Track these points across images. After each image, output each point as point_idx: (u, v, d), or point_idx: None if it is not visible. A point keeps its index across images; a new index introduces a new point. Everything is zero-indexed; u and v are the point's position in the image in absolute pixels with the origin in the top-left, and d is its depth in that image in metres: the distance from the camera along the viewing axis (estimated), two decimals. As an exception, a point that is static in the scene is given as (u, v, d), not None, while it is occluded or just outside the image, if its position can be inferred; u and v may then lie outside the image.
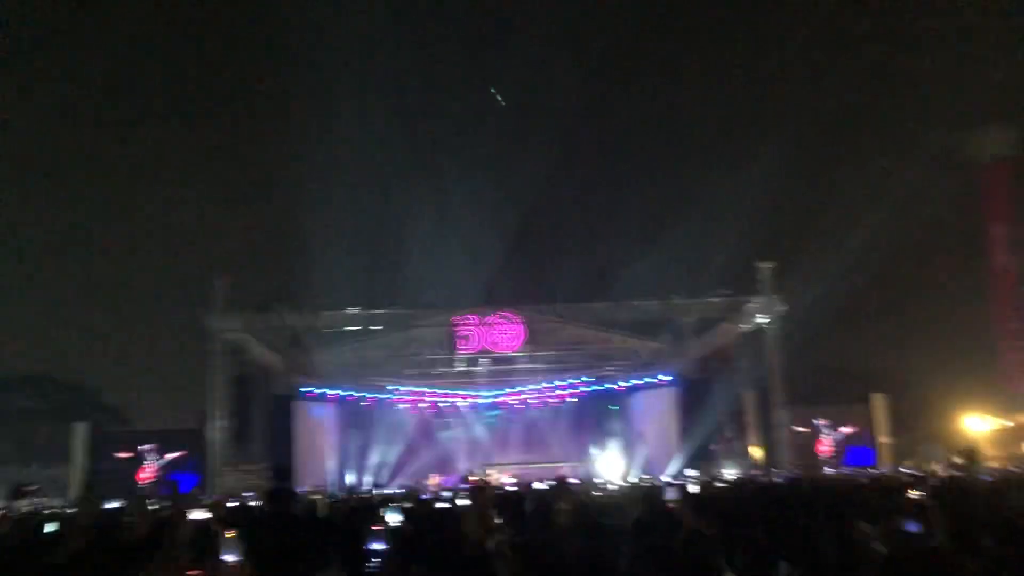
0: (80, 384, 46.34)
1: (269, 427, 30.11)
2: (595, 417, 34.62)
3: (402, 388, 32.97)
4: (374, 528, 3.85)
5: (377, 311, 30.67)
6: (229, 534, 3.76)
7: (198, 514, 6.90)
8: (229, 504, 15.62)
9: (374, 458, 32.50)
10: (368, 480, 30.37)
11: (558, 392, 33.86)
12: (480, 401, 33.95)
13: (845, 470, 26.88)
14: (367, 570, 3.76)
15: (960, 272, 47.95)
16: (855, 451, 32.22)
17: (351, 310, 30.57)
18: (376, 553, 3.77)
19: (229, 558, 3.72)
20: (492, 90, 36.11)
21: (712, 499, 8.21)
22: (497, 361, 32.15)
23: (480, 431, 34.62)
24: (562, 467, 29.91)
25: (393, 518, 6.66)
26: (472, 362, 32.09)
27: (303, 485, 23.09)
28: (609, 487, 18.39)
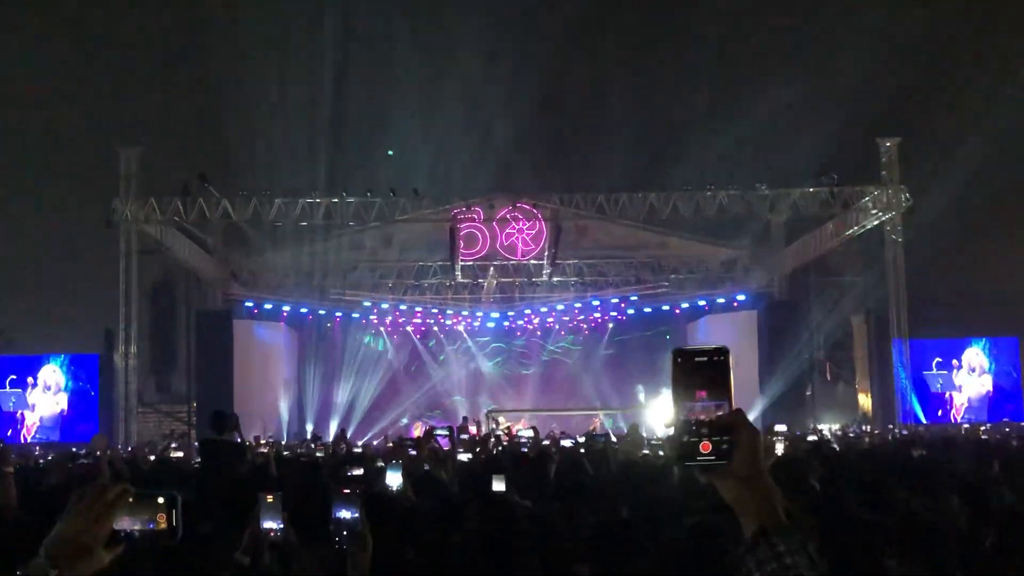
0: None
1: (199, 355, 30.18)
2: (644, 350, 34.24)
3: (380, 305, 32.88)
4: (345, 492, 3.93)
5: (347, 200, 29.73)
6: (270, 498, 4.16)
7: None
8: (152, 458, 16.34)
9: (341, 399, 33.04)
10: (333, 429, 30.63)
11: (594, 316, 33.75)
12: (487, 325, 34.03)
13: (986, 426, 26.90)
14: (336, 547, 3.89)
15: None
16: (1000, 399, 31.92)
17: (311, 198, 29.62)
18: (345, 524, 3.88)
19: (270, 524, 4.10)
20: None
21: (804, 465, 8.29)
22: (511, 271, 31.97)
23: (486, 366, 34.83)
24: (597, 417, 30.72)
25: (394, 479, 7.01)
26: (477, 272, 31.89)
27: (247, 435, 23.11)
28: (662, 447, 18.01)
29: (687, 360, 1.94)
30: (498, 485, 7.08)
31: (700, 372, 1.92)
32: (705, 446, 1.90)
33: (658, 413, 29.69)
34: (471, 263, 31.16)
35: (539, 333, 35.05)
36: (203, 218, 29.32)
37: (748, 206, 30.22)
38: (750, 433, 1.91)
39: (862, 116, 33.58)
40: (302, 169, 31.61)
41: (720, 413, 1.91)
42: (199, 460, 13.78)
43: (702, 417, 1.91)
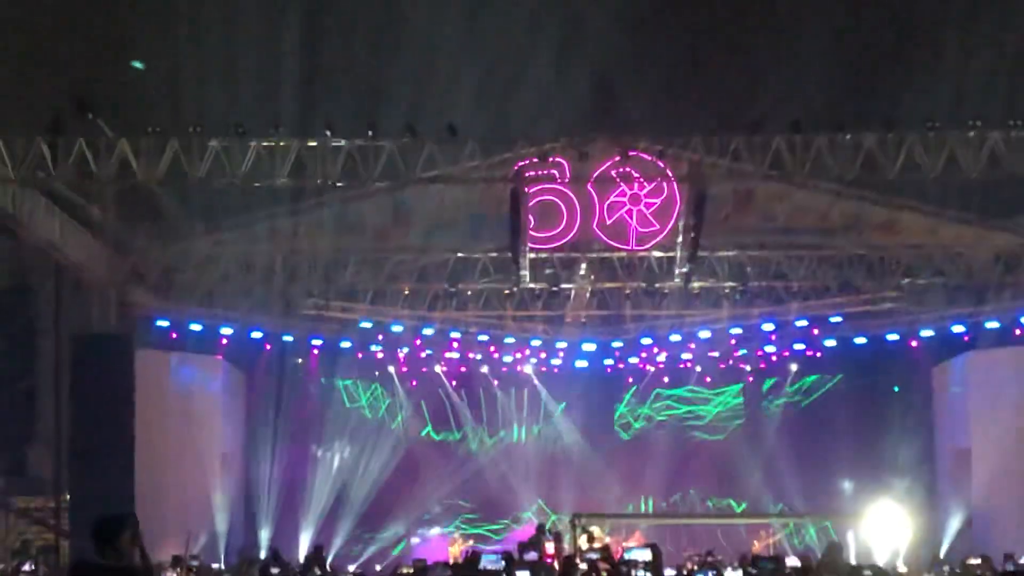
0: None
1: (77, 412, 29.70)
2: (853, 412, 35.77)
3: (390, 328, 33.76)
4: None
5: (333, 143, 28.17)
6: None
7: None
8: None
9: (318, 490, 34.69)
10: (305, 542, 32.73)
11: (764, 350, 35.73)
12: (575, 365, 35.72)
13: None
14: None
15: None
16: None
17: (270, 140, 28.06)
18: None
19: None
20: None
21: None
22: (619, 271, 32.09)
23: (572, 435, 36.40)
24: (769, 530, 33.48)
25: None
26: (559, 272, 31.71)
27: (157, 551, 22.41)
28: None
29: None
30: None
31: None
32: None
33: (880, 525, 29.68)
34: (548, 255, 30.79)
35: (666, 379, 36.51)
36: (84, 174, 27.93)
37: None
38: None
39: None
40: (255, 93, 31.04)
41: None
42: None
43: None
